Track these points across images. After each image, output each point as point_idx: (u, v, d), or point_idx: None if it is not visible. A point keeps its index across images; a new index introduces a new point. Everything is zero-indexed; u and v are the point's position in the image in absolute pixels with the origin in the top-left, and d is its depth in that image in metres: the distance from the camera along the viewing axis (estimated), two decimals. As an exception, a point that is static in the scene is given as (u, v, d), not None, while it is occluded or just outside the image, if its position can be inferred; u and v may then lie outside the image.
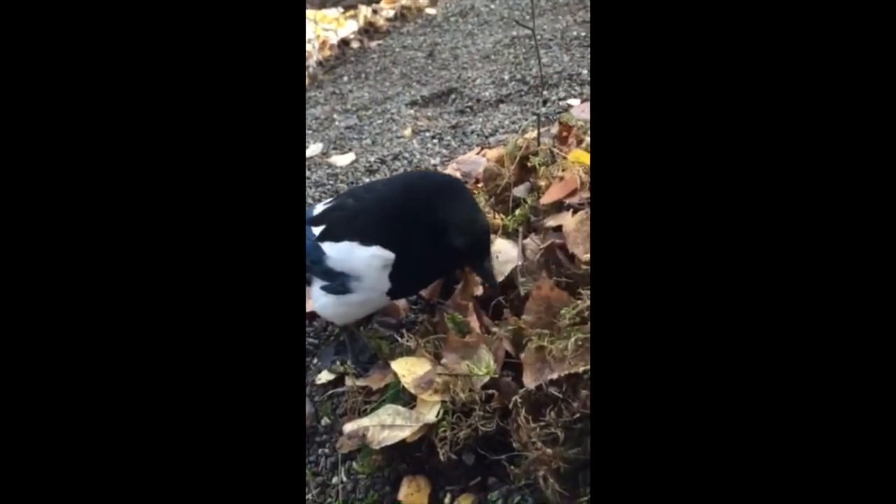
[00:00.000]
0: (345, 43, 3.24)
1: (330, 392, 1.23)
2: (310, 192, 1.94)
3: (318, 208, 1.21)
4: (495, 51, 2.73)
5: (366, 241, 1.06)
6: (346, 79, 2.92)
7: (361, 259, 1.07)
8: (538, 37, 2.70)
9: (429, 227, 1.02)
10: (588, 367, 0.89)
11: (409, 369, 1.03)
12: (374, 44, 3.22)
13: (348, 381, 1.20)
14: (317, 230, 1.14)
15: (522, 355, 0.99)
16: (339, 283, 1.10)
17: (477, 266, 1.08)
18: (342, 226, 1.11)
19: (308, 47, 3.16)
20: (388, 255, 1.05)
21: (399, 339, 1.18)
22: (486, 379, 0.98)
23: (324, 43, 3.18)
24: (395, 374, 1.04)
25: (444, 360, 1.04)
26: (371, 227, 1.07)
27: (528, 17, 2.93)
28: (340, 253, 1.09)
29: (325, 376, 1.25)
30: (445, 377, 1.00)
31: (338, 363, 1.26)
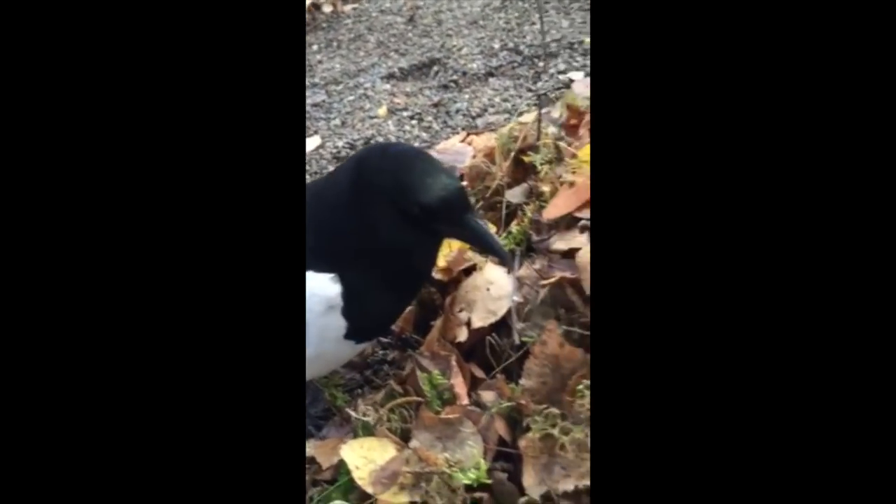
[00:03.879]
0: (316, 7, 2.89)
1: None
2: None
3: None
4: (484, 15, 2.43)
5: None
6: (315, 48, 2.60)
7: None
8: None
9: (372, 202, 0.73)
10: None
11: (364, 456, 0.75)
12: (348, 7, 2.87)
13: (293, 448, 0.92)
14: None
15: (522, 443, 0.71)
16: None
17: (464, 227, 0.75)
18: None
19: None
20: (330, 292, 0.75)
21: (360, 389, 0.92)
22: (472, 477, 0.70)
23: (292, 6, 2.84)
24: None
25: (413, 443, 0.76)
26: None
27: (520, -22, 2.61)
28: None
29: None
30: (415, 471, 0.72)
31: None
